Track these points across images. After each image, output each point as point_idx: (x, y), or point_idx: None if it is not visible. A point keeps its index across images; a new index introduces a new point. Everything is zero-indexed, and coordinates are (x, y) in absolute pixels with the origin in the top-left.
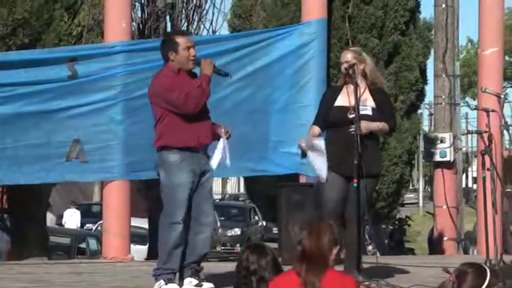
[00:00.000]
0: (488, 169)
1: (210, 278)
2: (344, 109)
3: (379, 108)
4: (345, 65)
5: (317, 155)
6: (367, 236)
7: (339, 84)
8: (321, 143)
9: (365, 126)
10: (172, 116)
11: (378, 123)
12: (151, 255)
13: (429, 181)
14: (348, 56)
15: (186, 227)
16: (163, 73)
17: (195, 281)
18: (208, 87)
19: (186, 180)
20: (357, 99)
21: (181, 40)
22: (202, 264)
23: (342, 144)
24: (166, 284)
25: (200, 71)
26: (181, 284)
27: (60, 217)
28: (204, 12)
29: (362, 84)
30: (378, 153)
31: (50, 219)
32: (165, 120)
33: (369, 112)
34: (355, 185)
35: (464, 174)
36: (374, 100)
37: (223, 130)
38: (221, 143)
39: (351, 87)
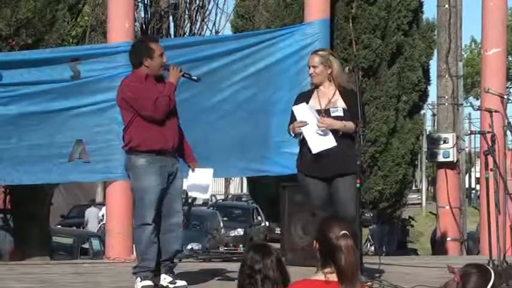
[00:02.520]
0: (491, 169)
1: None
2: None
3: (349, 108)
4: (312, 70)
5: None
6: (369, 237)
7: (310, 88)
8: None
9: (329, 123)
10: (140, 121)
11: (344, 122)
12: None
13: (432, 181)
14: (316, 60)
15: (157, 227)
16: (132, 79)
17: (169, 278)
18: (174, 94)
19: (154, 184)
20: (360, 100)
21: (156, 47)
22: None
23: None
24: (141, 281)
25: (167, 76)
26: (157, 280)
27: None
28: (207, 12)
29: (331, 87)
30: (354, 151)
31: (96, 214)
32: (133, 124)
33: (340, 113)
34: (358, 185)
35: (468, 175)
36: (344, 101)
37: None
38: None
39: (321, 90)
